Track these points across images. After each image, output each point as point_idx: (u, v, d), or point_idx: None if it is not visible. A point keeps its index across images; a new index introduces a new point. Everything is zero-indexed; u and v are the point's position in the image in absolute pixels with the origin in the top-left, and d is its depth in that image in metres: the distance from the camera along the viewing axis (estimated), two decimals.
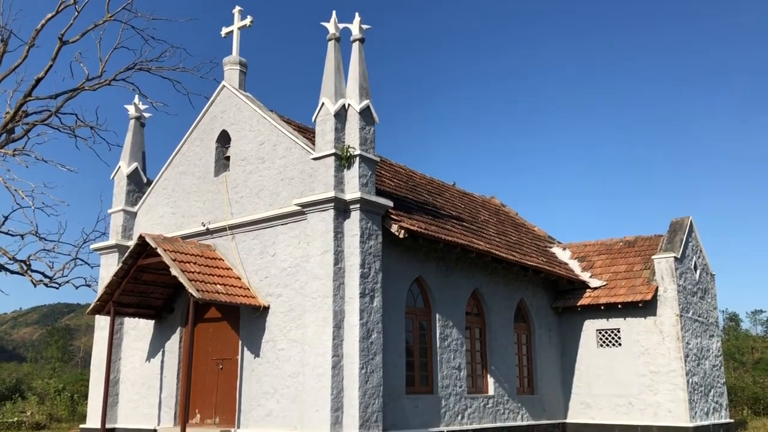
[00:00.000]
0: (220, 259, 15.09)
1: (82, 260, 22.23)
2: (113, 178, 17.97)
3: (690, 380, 18.05)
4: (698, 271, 20.34)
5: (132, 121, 18.10)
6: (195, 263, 14.02)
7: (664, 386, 18.05)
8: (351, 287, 12.86)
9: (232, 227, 15.11)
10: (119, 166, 17.86)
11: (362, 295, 12.81)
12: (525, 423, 17.72)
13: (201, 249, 14.93)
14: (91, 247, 18.17)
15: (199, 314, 14.86)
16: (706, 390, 19.08)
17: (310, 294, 13.06)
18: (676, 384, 17.89)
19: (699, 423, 18.03)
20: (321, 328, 12.68)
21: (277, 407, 13.42)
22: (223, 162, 16.25)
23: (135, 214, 17.53)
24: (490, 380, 16.91)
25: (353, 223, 13.13)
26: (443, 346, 15.33)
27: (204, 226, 15.59)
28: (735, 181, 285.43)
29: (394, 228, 13.54)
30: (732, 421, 20.56)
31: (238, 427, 13.94)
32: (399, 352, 14.05)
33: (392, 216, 13.77)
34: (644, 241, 21.10)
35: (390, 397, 13.43)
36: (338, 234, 13.07)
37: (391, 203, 13.74)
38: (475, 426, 15.82)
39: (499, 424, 16.66)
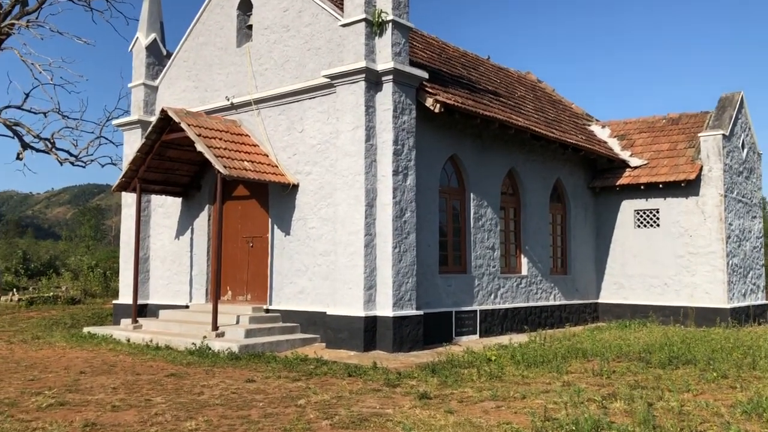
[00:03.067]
0: (247, 135, 14.47)
1: (107, 138, 21.97)
2: (131, 50, 17.12)
3: (730, 262, 17.55)
4: (745, 150, 19.32)
5: None
6: (221, 139, 13.44)
7: (703, 267, 17.60)
8: (384, 165, 12.25)
9: (258, 101, 14.37)
10: (137, 38, 16.96)
11: (395, 173, 12.20)
12: (558, 303, 17.55)
13: (226, 124, 14.29)
14: (114, 123, 17.67)
15: (227, 192, 14.47)
16: (745, 272, 18.62)
17: (341, 172, 12.49)
18: (715, 265, 17.42)
19: (736, 304, 17.70)
20: (353, 207, 12.21)
21: (309, 285, 13.26)
22: (245, 31, 15.26)
23: (156, 88, 16.81)
24: (524, 260, 16.58)
25: (385, 97, 12.31)
26: (477, 226, 14.87)
27: (228, 100, 14.87)
28: None
29: (429, 102, 12.69)
30: (767, 302, 20.23)
31: (270, 304, 13.90)
32: (432, 232, 13.63)
33: (427, 89, 12.89)
34: (689, 118, 19.94)
35: (423, 276, 13.15)
36: (369, 108, 12.29)
37: (426, 75, 12.82)
38: (507, 305, 15.65)
39: (531, 304, 16.50)
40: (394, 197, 12.12)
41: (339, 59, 12.90)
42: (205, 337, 12.14)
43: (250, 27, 15.10)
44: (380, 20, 12.37)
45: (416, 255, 12.59)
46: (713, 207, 17.55)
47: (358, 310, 11.95)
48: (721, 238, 17.40)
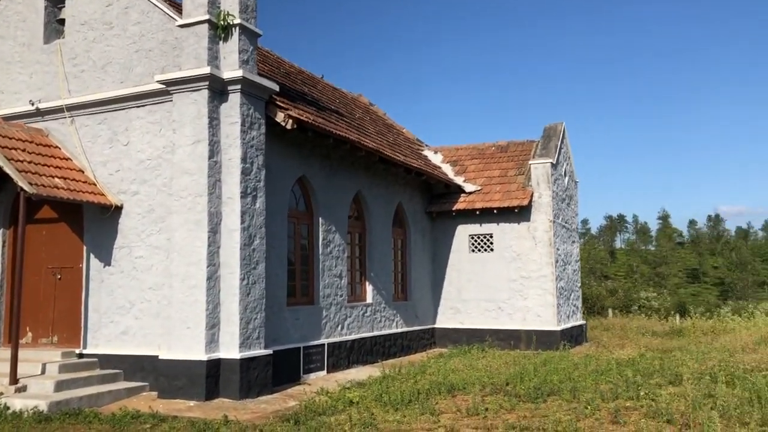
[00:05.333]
0: (56, 147, 12.22)
1: None
2: None
3: (558, 285, 18.25)
4: (567, 178, 20.41)
5: None
6: (24, 150, 11.13)
7: (534, 291, 18.11)
8: (230, 185, 10.82)
9: (71, 108, 12.22)
10: None
11: (243, 194, 10.83)
12: (400, 330, 17.04)
13: (30, 134, 11.94)
14: None
15: (28, 213, 12.04)
16: (568, 294, 19.53)
17: (177, 192, 10.84)
18: (546, 289, 18.00)
19: (564, 326, 18.43)
20: (193, 233, 10.61)
21: (135, 324, 11.33)
22: (55, 26, 13.00)
23: None
24: (369, 287, 15.85)
25: (232, 108, 10.93)
26: (325, 253, 13.87)
27: (33, 105, 12.50)
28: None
29: (280, 117, 11.52)
30: (585, 322, 21.46)
31: (85, 347, 11.71)
32: (281, 260, 12.39)
33: (278, 103, 11.72)
34: (517, 146, 20.70)
35: (271, 310, 11.83)
36: (214, 120, 10.84)
37: (276, 87, 11.65)
38: (354, 336, 14.77)
39: (375, 333, 15.77)
40: (242, 222, 10.73)
41: (175, 64, 11.30)
42: (0, 393, 9.79)
43: (62, 22, 12.88)
44: (226, 23, 11.01)
45: (265, 287, 11.26)
46: (543, 232, 18.18)
47: (198, 353, 10.33)
48: (551, 263, 18.04)
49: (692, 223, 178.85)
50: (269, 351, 11.17)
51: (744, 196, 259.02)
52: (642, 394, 9.49)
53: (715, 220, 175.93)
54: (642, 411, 8.52)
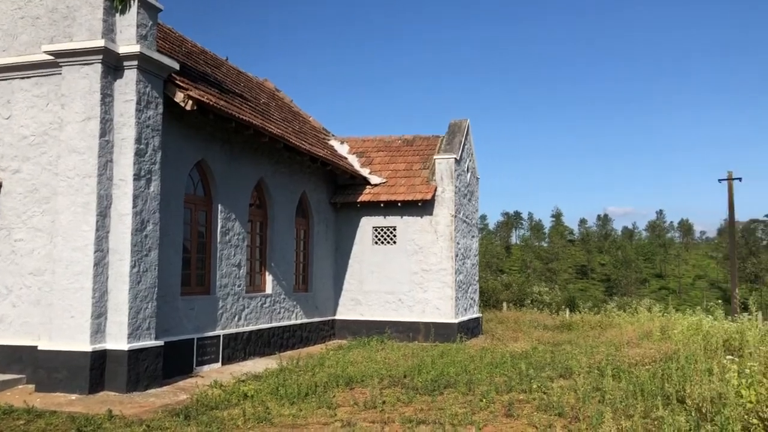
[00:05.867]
0: None
1: None
2: None
3: (457, 278, 18.56)
4: (469, 174, 20.77)
5: None
6: None
7: (434, 284, 18.33)
8: (122, 167, 10.20)
9: None
10: None
11: (137, 177, 10.24)
12: (300, 321, 16.78)
13: None
14: None
15: None
16: (467, 287, 19.91)
17: (64, 172, 10.11)
18: (446, 282, 18.26)
19: (461, 318, 18.77)
20: (80, 216, 9.94)
21: (12, 312, 10.52)
22: None
23: None
24: (269, 278, 15.49)
25: (128, 86, 10.30)
26: (224, 241, 13.40)
27: None
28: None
29: (179, 97, 10.98)
30: (481, 315, 21.98)
31: None
32: (176, 248, 11.84)
33: (177, 82, 11.16)
34: (422, 141, 20.86)
35: (163, 299, 11.29)
36: (107, 97, 10.18)
37: (176, 65, 11.09)
38: (251, 327, 14.39)
39: (274, 324, 15.44)
40: (134, 206, 10.14)
41: (66, 35, 10.52)
42: None
43: None
44: None
45: (158, 275, 10.71)
46: (445, 226, 18.42)
47: (82, 344, 9.70)
48: (451, 256, 18.32)
49: (583, 222, 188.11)
50: (160, 342, 10.66)
51: (631, 198, 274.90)
52: (534, 387, 9.73)
53: (604, 220, 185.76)
54: (534, 404, 8.72)
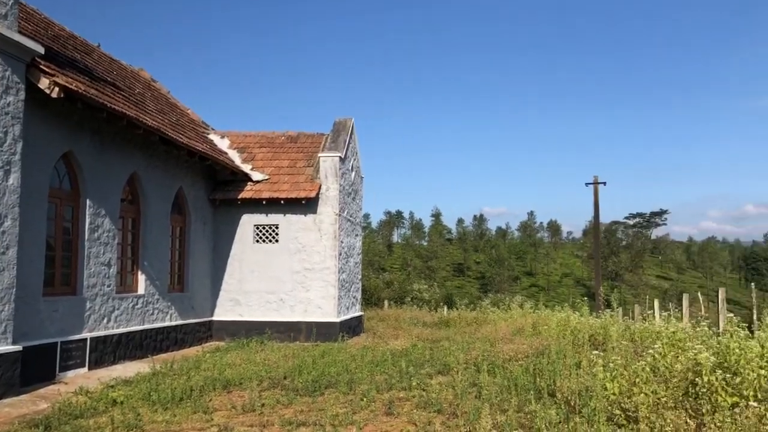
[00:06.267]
0: None
1: None
2: None
3: (340, 277, 18.53)
4: (353, 173, 20.81)
5: None
6: None
7: (317, 283, 18.20)
8: None
9: None
10: None
11: None
12: (175, 323, 16.09)
13: None
14: None
15: None
16: (349, 286, 19.94)
17: None
18: (328, 281, 18.19)
19: (344, 317, 18.76)
20: None
21: None
22: None
23: None
24: (142, 278, 14.73)
25: None
26: (93, 239, 12.59)
27: None
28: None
29: (44, 83, 10.18)
30: (362, 313, 22.09)
31: None
32: (38, 246, 10.97)
33: (42, 67, 10.33)
34: (307, 138, 20.66)
35: (23, 300, 10.43)
36: None
37: (41, 49, 10.28)
38: (122, 329, 13.62)
39: (147, 326, 14.71)
40: None
41: None
42: None
43: None
44: None
45: (16, 275, 9.88)
46: (329, 225, 18.33)
47: None
48: (334, 255, 18.26)
49: (460, 221, 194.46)
50: (18, 347, 9.83)
51: (505, 198, 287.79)
52: (414, 384, 9.86)
53: (480, 220, 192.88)
54: (414, 401, 8.82)
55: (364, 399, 8.98)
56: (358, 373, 11.22)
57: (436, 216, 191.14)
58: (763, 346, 7.17)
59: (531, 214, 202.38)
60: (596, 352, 8.60)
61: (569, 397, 7.84)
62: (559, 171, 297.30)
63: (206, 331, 18.03)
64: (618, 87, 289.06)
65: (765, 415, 5.87)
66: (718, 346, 7.78)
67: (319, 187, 18.34)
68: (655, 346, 8.42)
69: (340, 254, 18.57)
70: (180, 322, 16.41)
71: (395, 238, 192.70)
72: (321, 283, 18.17)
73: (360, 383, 10.22)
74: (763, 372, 6.44)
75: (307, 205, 18.27)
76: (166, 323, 15.68)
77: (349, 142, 19.77)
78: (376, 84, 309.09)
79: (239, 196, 18.33)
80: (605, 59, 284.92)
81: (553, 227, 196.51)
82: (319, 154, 18.79)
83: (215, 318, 18.49)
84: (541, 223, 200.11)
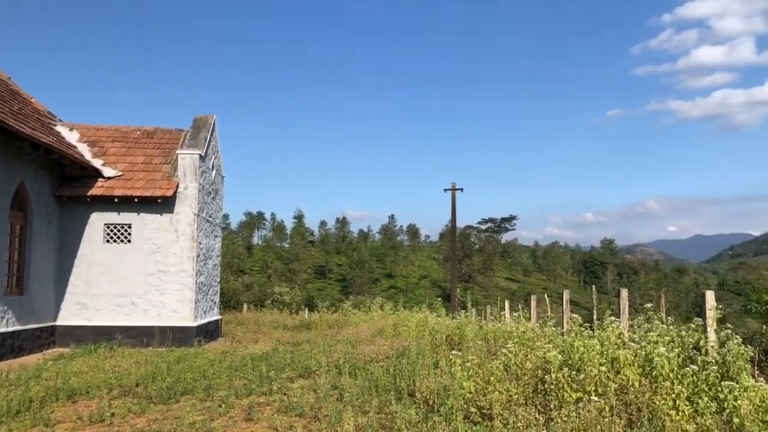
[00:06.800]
0: None
1: None
2: None
3: (197, 280, 17.90)
4: (214, 171, 20.19)
5: None
6: None
7: (173, 286, 17.45)
8: None
9: None
10: None
11: None
12: (11, 329, 14.76)
13: None
14: None
15: None
16: (207, 289, 19.30)
17: None
18: (185, 284, 17.50)
19: (201, 322, 18.12)
20: None
21: None
22: None
23: None
24: None
25: None
26: None
27: None
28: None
29: None
30: (221, 317, 21.46)
31: None
32: None
33: None
34: (165, 134, 19.78)
35: None
36: None
37: None
38: None
39: None
40: None
41: None
42: None
43: None
44: None
45: None
46: (187, 225, 17.65)
47: None
48: (192, 257, 17.60)
49: (323, 223, 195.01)
50: None
51: (367, 202, 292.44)
52: (275, 388, 9.71)
53: (342, 223, 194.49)
54: (275, 406, 8.68)
55: (223, 405, 8.72)
56: (216, 378, 10.88)
57: (299, 218, 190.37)
58: (603, 344, 7.75)
59: (392, 217, 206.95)
60: (454, 351, 8.90)
61: (428, 397, 8.05)
62: (419, 177, 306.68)
63: (48, 336, 16.71)
64: (478, 99, 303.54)
65: (604, 408, 6.35)
66: (563, 344, 8.32)
67: (177, 186, 17.61)
68: (508, 345, 8.86)
69: (198, 256, 17.94)
70: (18, 327, 15.08)
71: (256, 239, 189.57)
72: (177, 286, 17.44)
73: (218, 389, 9.92)
74: (603, 369, 6.96)
75: (163, 204, 17.47)
76: (1, 329, 14.35)
77: (210, 140, 19.16)
78: (240, 84, 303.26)
79: (89, 193, 17.17)
80: (469, 68, 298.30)
81: (412, 231, 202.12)
82: (178, 151, 18.05)
83: (59, 323, 17.19)
84: (401, 226, 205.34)
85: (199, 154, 17.98)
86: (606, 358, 7.31)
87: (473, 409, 7.16)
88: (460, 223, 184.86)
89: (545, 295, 18.84)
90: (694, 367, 6.76)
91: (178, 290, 17.45)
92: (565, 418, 6.20)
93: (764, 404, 6.01)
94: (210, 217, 19.56)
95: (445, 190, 37.04)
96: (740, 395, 6.18)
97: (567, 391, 6.80)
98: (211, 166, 19.62)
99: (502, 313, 19.48)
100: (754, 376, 7.84)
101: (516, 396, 7.07)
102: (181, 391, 9.74)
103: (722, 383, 6.37)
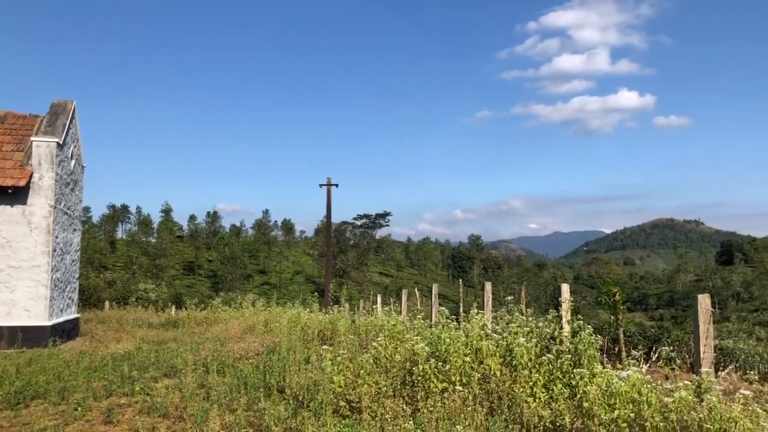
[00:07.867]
0: None
1: None
2: None
3: (53, 276, 16.72)
4: (73, 161, 18.94)
5: None
6: None
7: (25, 283, 16.20)
8: None
9: None
10: None
11: None
12: None
13: None
14: None
15: None
16: (64, 286, 18.09)
17: None
18: (39, 280, 16.29)
19: (56, 320, 16.94)
20: None
21: None
22: None
23: None
24: None
25: None
26: None
27: None
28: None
29: None
30: (79, 315, 20.18)
31: None
32: None
33: None
34: (17, 119, 18.28)
35: None
36: None
37: None
38: None
39: None
40: None
41: None
42: None
43: None
44: None
45: None
46: (42, 218, 16.44)
47: None
48: (47, 251, 16.42)
49: (193, 218, 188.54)
50: None
51: (239, 196, 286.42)
52: (138, 389, 9.28)
53: (213, 217, 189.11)
54: (137, 407, 8.29)
55: (79, 408, 8.21)
56: (72, 380, 10.23)
57: (167, 212, 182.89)
58: (468, 336, 8.05)
59: (266, 212, 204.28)
60: (325, 346, 8.91)
61: (298, 393, 8.01)
62: (294, 172, 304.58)
63: None
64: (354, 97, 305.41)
65: (468, 398, 6.60)
66: (431, 337, 8.56)
67: (31, 175, 16.35)
68: (378, 339, 8.98)
69: (55, 251, 16.76)
70: None
71: (120, 234, 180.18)
72: (30, 283, 16.21)
73: (74, 391, 9.34)
74: (467, 359, 7.24)
75: (15, 194, 16.17)
76: None
77: (69, 127, 17.95)
78: (103, 65, 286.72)
79: None
80: (343, 67, 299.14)
81: (287, 226, 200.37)
82: (32, 138, 16.76)
83: None
84: (276, 221, 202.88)
85: (57, 142, 16.80)
86: (470, 349, 7.59)
87: (343, 403, 7.21)
88: (336, 219, 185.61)
89: (416, 290, 19.32)
90: (550, 356, 7.18)
91: (31, 287, 16.22)
92: (431, 408, 6.39)
93: (609, 389, 6.50)
94: (68, 209, 18.33)
95: (321, 185, 36.97)
96: (590, 381, 6.64)
97: (433, 382, 7.00)
98: (70, 155, 18.39)
99: (374, 307, 19.76)
100: (602, 363, 8.46)
101: (385, 388, 7.19)
102: (31, 395, 9.07)
103: (575, 371, 6.82)
